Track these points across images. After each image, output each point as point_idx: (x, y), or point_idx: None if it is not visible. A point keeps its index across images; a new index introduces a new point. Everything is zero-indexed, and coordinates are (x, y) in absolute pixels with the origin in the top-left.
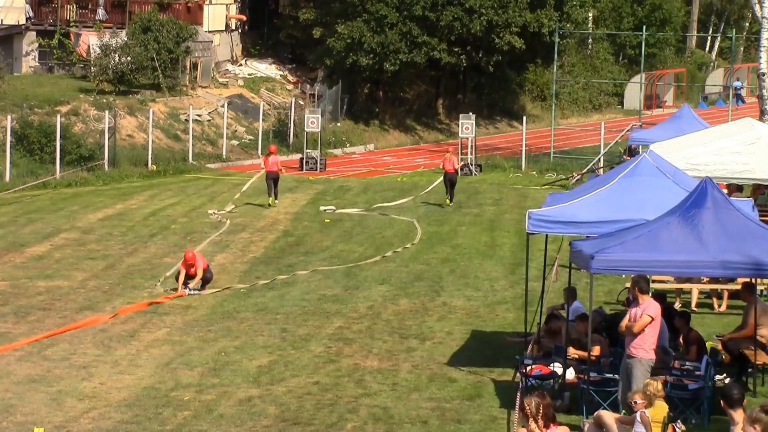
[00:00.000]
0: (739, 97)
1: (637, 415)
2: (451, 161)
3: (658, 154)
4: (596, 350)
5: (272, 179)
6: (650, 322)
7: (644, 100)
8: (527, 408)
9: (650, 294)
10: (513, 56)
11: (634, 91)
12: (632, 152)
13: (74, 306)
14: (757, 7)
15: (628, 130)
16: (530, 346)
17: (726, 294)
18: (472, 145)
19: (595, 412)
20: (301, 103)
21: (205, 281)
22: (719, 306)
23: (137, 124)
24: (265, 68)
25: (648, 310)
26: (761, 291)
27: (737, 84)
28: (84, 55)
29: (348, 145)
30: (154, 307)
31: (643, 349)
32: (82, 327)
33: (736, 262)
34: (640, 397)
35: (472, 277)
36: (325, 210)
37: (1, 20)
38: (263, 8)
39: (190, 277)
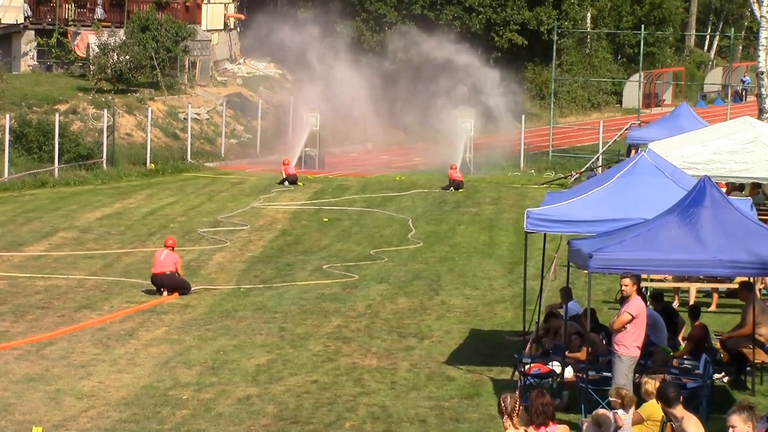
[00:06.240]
0: (738, 94)
1: (611, 414)
2: (455, 168)
3: (657, 153)
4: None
5: (292, 182)
6: (630, 320)
7: (643, 99)
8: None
9: (637, 292)
10: (512, 55)
11: (632, 90)
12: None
13: (73, 305)
14: (755, 6)
15: (626, 129)
16: (529, 345)
17: (716, 296)
18: (470, 144)
19: (594, 411)
20: None
21: (177, 288)
22: (709, 306)
23: (136, 122)
24: (264, 67)
25: (629, 307)
26: (759, 290)
27: (747, 79)
28: (82, 54)
29: (347, 143)
30: (152, 306)
31: (624, 346)
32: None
33: (735, 260)
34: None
35: (470, 276)
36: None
37: (0, 19)
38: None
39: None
